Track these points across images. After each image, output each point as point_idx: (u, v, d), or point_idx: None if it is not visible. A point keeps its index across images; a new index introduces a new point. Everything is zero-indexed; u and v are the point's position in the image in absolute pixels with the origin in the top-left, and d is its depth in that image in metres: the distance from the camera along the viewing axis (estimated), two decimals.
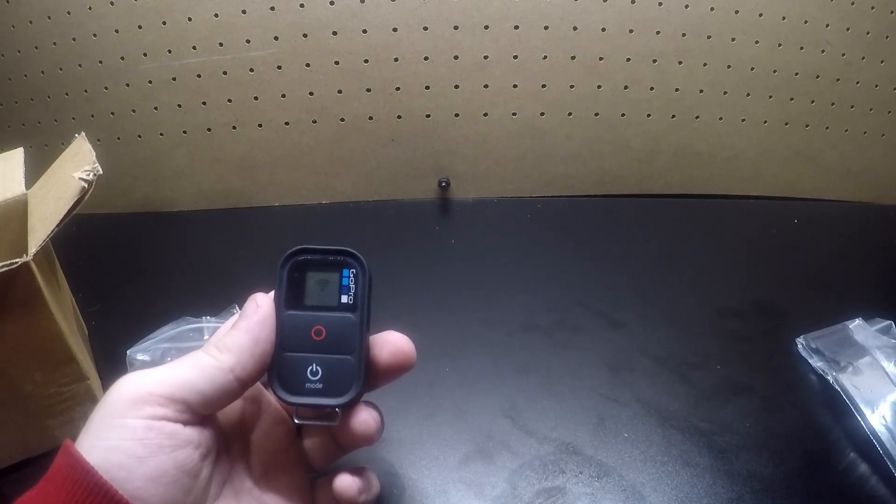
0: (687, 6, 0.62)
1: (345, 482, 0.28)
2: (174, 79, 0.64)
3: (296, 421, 0.29)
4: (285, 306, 0.28)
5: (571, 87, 0.65)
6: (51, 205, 0.35)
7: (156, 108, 0.66)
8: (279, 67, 0.63)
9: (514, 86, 0.65)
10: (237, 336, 0.27)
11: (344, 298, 0.29)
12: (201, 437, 0.26)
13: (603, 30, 0.62)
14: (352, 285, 0.29)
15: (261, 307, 0.28)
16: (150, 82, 0.64)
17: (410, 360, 0.29)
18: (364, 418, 0.28)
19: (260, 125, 0.66)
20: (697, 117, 0.68)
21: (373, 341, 0.29)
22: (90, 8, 0.61)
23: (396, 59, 0.63)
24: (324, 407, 0.28)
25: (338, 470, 0.29)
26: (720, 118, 0.68)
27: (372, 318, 0.29)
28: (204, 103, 0.65)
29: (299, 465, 0.30)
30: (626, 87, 0.65)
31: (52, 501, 0.22)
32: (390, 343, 0.29)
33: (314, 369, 0.28)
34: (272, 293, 0.29)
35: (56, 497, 0.22)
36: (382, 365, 0.29)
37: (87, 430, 0.24)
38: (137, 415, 0.24)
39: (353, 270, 0.29)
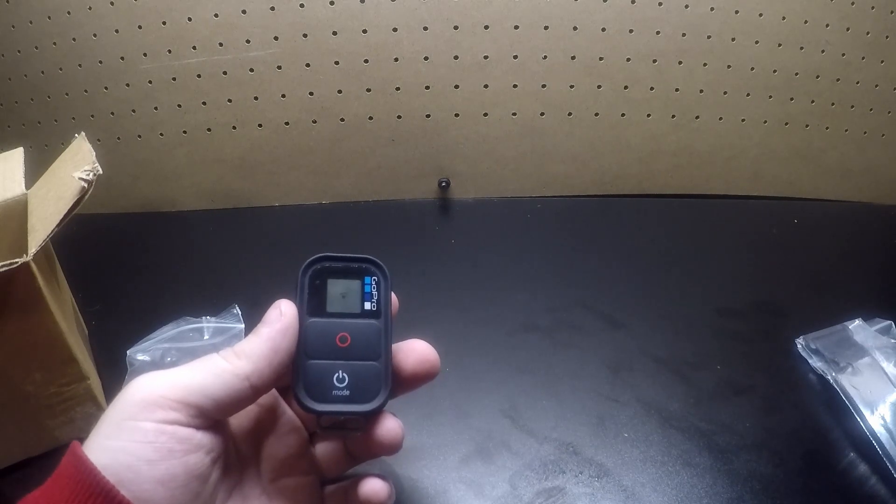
0: (687, 6, 0.62)
1: (374, 486, 0.28)
2: (174, 79, 0.64)
3: (322, 432, 0.28)
4: (308, 314, 0.28)
5: (571, 87, 0.65)
6: (51, 205, 0.35)
7: (156, 108, 0.66)
8: (279, 67, 0.63)
9: (514, 86, 0.65)
10: (257, 343, 0.26)
11: (367, 305, 0.29)
12: (213, 441, 0.26)
13: (603, 30, 0.62)
14: (374, 292, 0.29)
15: (284, 315, 0.27)
16: (150, 82, 0.64)
17: (435, 368, 0.29)
18: (391, 426, 0.28)
19: (260, 125, 0.66)
20: (697, 117, 0.68)
21: (396, 349, 0.29)
22: (90, 8, 0.61)
23: (396, 59, 0.63)
24: (352, 414, 0.27)
25: (360, 476, 0.29)
26: (720, 118, 0.68)
27: None
28: (204, 103, 0.65)
29: (310, 473, 0.30)
30: (626, 87, 0.65)
31: (54, 501, 0.22)
32: (416, 351, 0.29)
33: (340, 376, 0.27)
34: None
35: (59, 496, 0.22)
36: (407, 373, 0.29)
37: (97, 430, 0.23)
38: (149, 418, 0.23)
39: (375, 278, 0.29)
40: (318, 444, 0.31)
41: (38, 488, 0.23)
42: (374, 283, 0.29)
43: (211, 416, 0.25)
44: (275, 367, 0.26)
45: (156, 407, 0.24)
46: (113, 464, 0.22)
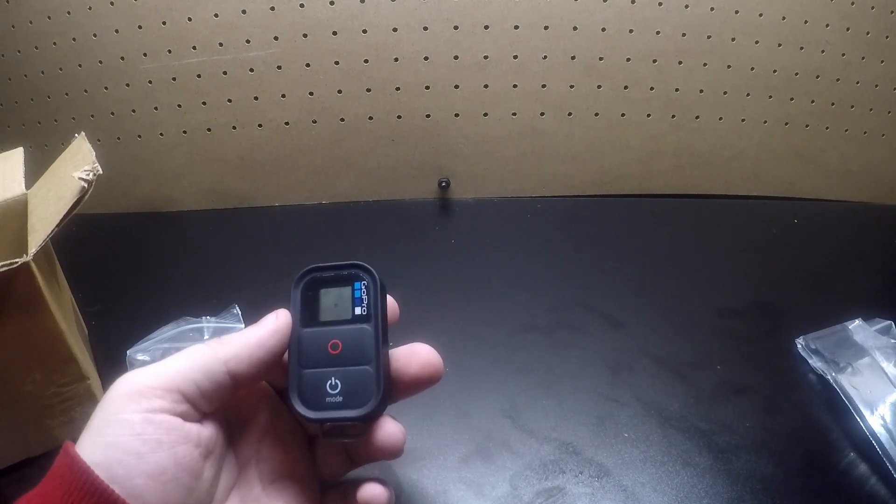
0: (687, 6, 0.62)
1: (374, 491, 0.28)
2: (174, 79, 0.64)
3: (324, 440, 0.28)
4: (301, 325, 0.28)
5: (571, 87, 0.65)
6: (51, 205, 0.35)
7: (156, 108, 0.66)
8: (279, 67, 0.63)
9: (514, 86, 0.65)
10: (242, 334, 0.27)
11: (357, 310, 0.29)
12: (201, 435, 0.26)
13: (603, 30, 0.62)
14: (364, 297, 0.29)
15: (278, 319, 0.28)
16: (150, 82, 0.64)
17: (439, 372, 0.29)
18: (391, 430, 0.28)
19: (260, 125, 0.66)
20: (697, 117, 0.68)
21: (399, 353, 0.29)
22: (90, 8, 0.61)
23: (396, 59, 0.63)
24: (345, 420, 0.27)
25: (359, 480, 0.29)
26: (720, 118, 0.68)
27: None
28: (204, 103, 0.65)
29: (310, 476, 0.30)
30: (626, 87, 0.65)
31: (48, 502, 0.22)
32: (419, 355, 0.29)
33: (333, 383, 0.27)
34: None
35: (52, 497, 0.22)
36: (410, 377, 0.29)
37: (87, 429, 0.24)
38: (135, 409, 0.24)
39: (365, 282, 0.29)
40: (317, 447, 0.31)
41: (32, 489, 0.23)
42: (363, 287, 0.29)
43: (196, 404, 0.26)
44: (255, 360, 0.27)
45: (140, 397, 0.24)
46: (105, 460, 0.22)
